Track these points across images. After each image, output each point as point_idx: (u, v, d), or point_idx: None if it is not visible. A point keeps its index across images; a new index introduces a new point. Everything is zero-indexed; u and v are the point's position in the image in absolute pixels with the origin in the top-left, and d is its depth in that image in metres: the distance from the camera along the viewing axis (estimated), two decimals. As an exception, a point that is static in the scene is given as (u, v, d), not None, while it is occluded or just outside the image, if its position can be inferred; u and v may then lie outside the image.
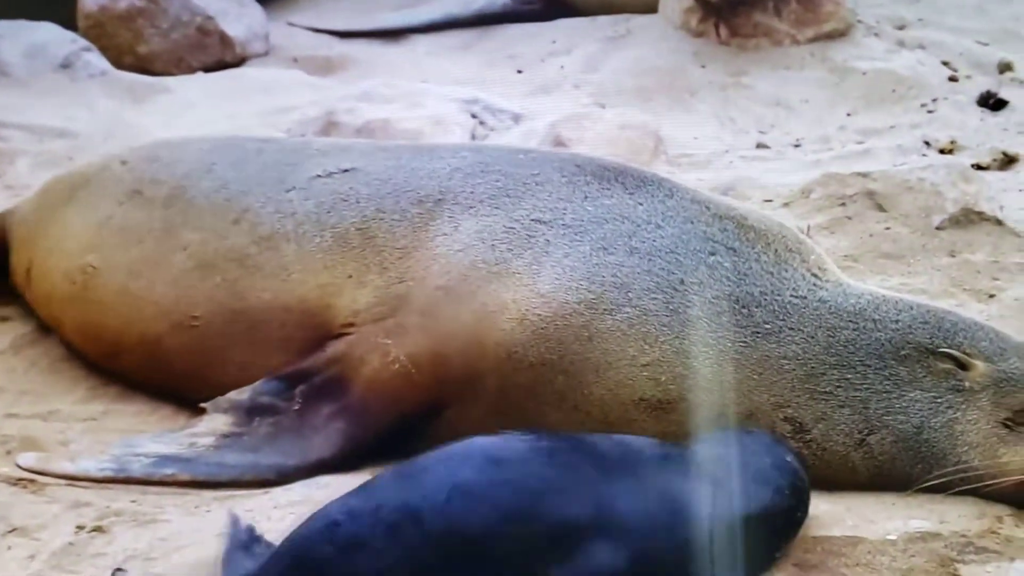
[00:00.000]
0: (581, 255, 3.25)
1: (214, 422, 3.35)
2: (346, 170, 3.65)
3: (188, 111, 6.78)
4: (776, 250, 3.32)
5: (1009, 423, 3.04)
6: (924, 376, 3.11)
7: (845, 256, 4.95)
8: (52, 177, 4.46)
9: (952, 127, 7.25)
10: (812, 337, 3.16)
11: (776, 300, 3.20)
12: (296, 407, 3.29)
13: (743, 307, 3.18)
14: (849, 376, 3.13)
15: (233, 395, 3.40)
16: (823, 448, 3.12)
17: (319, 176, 3.66)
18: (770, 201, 5.65)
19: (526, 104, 7.37)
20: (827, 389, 3.13)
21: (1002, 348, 3.15)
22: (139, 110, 6.75)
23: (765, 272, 3.25)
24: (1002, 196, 5.64)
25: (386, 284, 3.36)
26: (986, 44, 8.82)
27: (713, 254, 3.25)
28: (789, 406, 3.13)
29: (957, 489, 3.04)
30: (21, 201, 4.53)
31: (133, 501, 3.10)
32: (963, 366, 3.09)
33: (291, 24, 9.59)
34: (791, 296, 3.21)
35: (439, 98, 6.82)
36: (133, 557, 2.79)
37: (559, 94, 8.00)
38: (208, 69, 8.29)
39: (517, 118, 6.89)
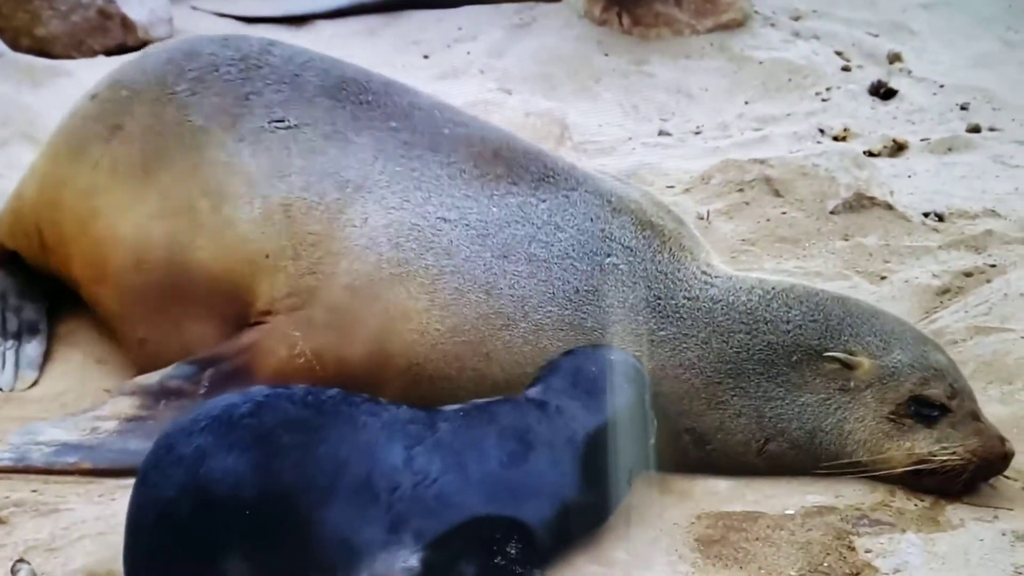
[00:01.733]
0: (482, 263, 3.21)
1: (118, 405, 3.29)
2: (289, 126, 3.53)
3: (88, 95, 6.59)
4: (671, 248, 3.30)
5: (893, 416, 3.12)
6: (814, 379, 3.15)
7: (743, 240, 5.05)
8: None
9: (845, 115, 7.45)
10: (706, 343, 3.17)
11: (670, 304, 3.20)
12: (203, 392, 3.23)
13: (637, 314, 3.17)
14: (744, 384, 3.16)
15: (141, 379, 3.35)
16: (725, 455, 3.17)
17: (263, 128, 3.52)
18: (671, 187, 5.73)
19: (433, 89, 7.31)
20: (724, 398, 3.16)
21: (886, 341, 3.19)
22: (38, 94, 6.54)
23: (660, 273, 3.24)
24: (892, 182, 5.81)
25: (298, 273, 3.31)
26: (876, 35, 9.06)
27: (610, 255, 3.24)
28: (688, 416, 3.16)
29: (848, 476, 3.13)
30: (8, 201, 4.28)
31: (34, 491, 3.03)
32: (849, 366, 3.14)
33: (195, 8, 9.41)
34: (684, 298, 3.21)
35: (344, 83, 6.74)
36: (34, 548, 2.73)
37: (465, 80, 7.99)
38: (110, 53, 8.08)
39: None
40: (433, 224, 3.26)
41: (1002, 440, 3.08)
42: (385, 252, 3.24)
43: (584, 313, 3.16)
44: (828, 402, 3.14)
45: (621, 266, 3.22)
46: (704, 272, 3.29)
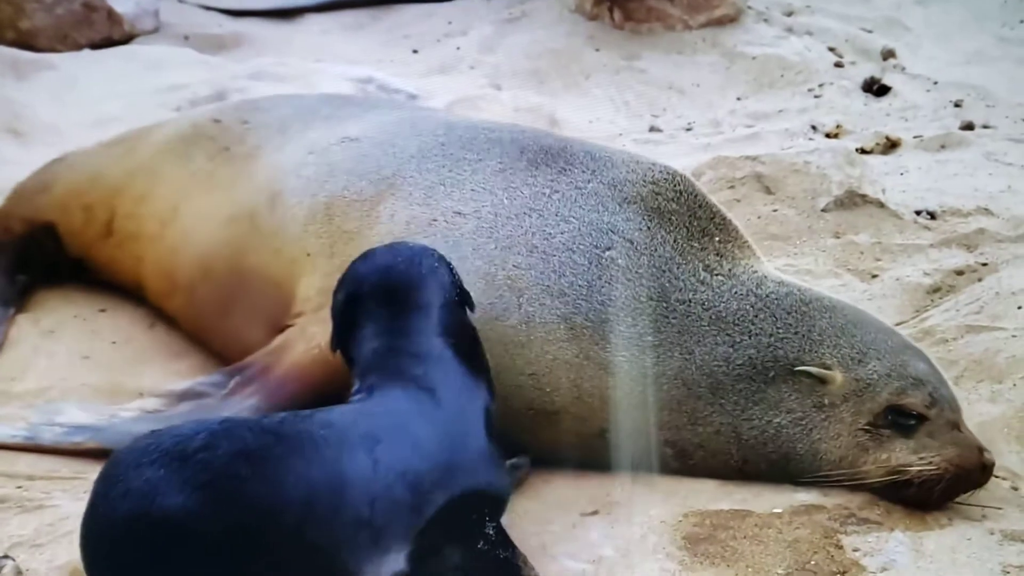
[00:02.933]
0: (486, 254, 3.22)
1: (145, 403, 3.39)
2: (352, 139, 3.72)
3: (75, 89, 6.58)
4: (676, 239, 3.25)
5: (869, 428, 3.06)
6: (790, 395, 3.10)
7: (735, 238, 5.03)
8: (119, 139, 4.47)
9: (838, 112, 7.43)
10: (690, 354, 3.12)
11: (661, 306, 3.14)
12: (224, 394, 3.31)
13: (627, 315, 3.13)
14: (723, 401, 3.11)
15: (173, 385, 3.46)
16: (706, 469, 3.14)
17: (332, 144, 3.72)
18: (663, 183, 5.71)
19: (422, 84, 7.33)
20: (704, 414, 3.11)
21: (862, 351, 3.13)
22: (22, 87, 6.52)
23: (657, 270, 3.18)
24: (884, 179, 5.80)
25: (330, 271, 3.34)
26: (870, 31, 9.06)
27: (609, 248, 3.19)
28: (668, 429, 3.13)
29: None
30: (61, 173, 4.44)
31: (19, 487, 3.03)
32: (822, 380, 3.09)
33: (182, 1, 9.39)
34: (676, 300, 3.16)
35: (333, 77, 6.74)
36: (19, 544, 2.73)
37: (455, 75, 7.98)
38: (95, 46, 8.06)
39: (413, 98, 6.86)
40: (449, 219, 3.30)
41: (981, 451, 3.02)
42: None
43: (576, 309, 3.13)
44: (803, 422, 3.08)
45: (619, 260, 3.18)
46: (706, 268, 3.22)
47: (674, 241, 3.24)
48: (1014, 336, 3.86)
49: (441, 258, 2.87)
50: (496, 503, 2.66)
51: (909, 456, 3.02)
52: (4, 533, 2.78)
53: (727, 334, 3.13)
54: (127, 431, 3.17)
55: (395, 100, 4.34)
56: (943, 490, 3.01)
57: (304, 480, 2.33)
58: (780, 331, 3.14)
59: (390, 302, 2.75)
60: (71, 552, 2.67)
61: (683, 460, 3.15)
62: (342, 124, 3.85)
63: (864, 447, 3.06)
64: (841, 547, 2.82)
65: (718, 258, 3.27)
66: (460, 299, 2.85)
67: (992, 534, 2.89)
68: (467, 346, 2.79)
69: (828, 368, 3.10)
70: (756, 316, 3.16)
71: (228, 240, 3.71)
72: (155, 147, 4.20)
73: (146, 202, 4.07)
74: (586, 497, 3.07)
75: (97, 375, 3.73)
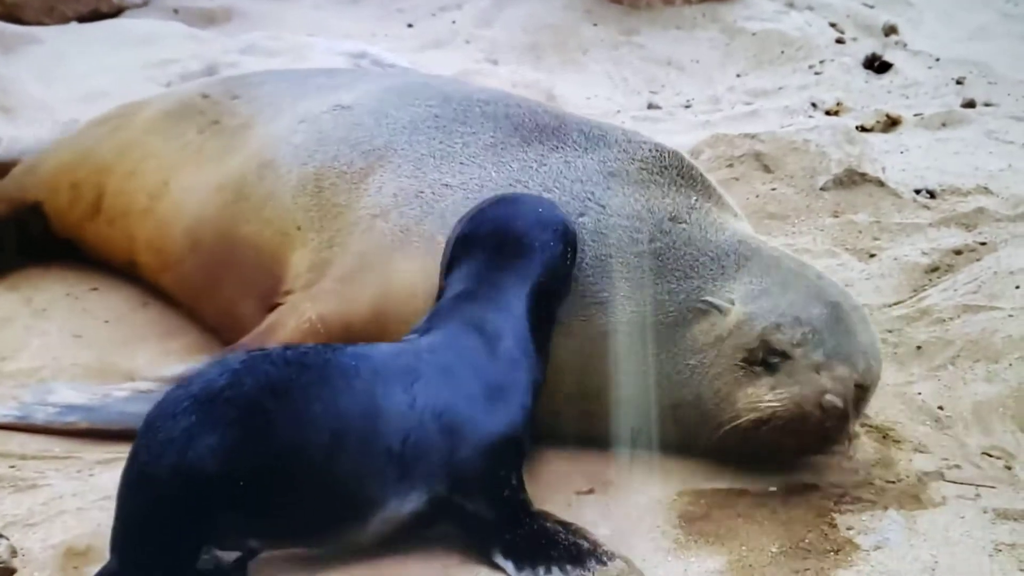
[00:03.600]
0: None
1: (138, 385, 3.41)
2: (345, 107, 3.73)
3: (63, 63, 6.51)
4: (648, 198, 3.23)
5: (744, 364, 2.99)
6: (701, 336, 3.05)
7: (732, 216, 5.02)
8: (105, 118, 4.47)
9: (838, 89, 7.41)
10: (641, 306, 3.09)
11: (619, 261, 3.12)
12: None
13: (589, 274, 3.10)
14: (664, 350, 3.07)
15: (165, 370, 3.47)
16: (675, 429, 3.11)
17: (323, 112, 3.74)
18: (661, 161, 5.69)
19: (417, 59, 7.28)
20: (655, 364, 3.07)
21: (764, 289, 3.06)
22: (7, 61, 6.44)
23: (622, 229, 3.15)
24: (884, 158, 5.79)
25: (319, 247, 3.42)
26: (872, 7, 9.01)
27: (583, 215, 3.18)
28: (632, 385, 3.09)
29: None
30: (49, 153, 4.47)
31: (12, 467, 3.03)
32: (721, 311, 3.04)
33: (172, -25, 9.31)
34: (632, 254, 3.12)
35: (326, 52, 6.67)
36: (13, 523, 2.73)
37: (451, 49, 7.94)
38: (83, 19, 7.99)
39: (407, 73, 6.81)
40: (436, 191, 3.33)
41: (822, 392, 2.88)
42: (393, 220, 3.32)
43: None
44: (705, 362, 3.03)
45: (587, 224, 3.16)
46: (670, 219, 3.18)
47: (646, 200, 3.22)
48: (1011, 316, 3.85)
49: (566, 235, 2.94)
50: (520, 460, 2.70)
51: (766, 393, 2.94)
52: (-3, 512, 2.78)
53: (667, 281, 3.10)
54: (119, 411, 3.26)
55: (389, 70, 4.29)
56: (777, 428, 2.91)
57: (332, 409, 2.41)
58: (711, 273, 3.10)
59: (495, 254, 2.86)
60: (65, 531, 2.69)
61: (669, 424, 3.11)
62: (335, 92, 3.87)
63: (738, 383, 2.99)
64: (835, 526, 2.83)
65: (689, 211, 3.24)
66: (560, 288, 2.92)
67: (985, 512, 2.90)
68: (542, 327, 2.84)
69: (733, 304, 3.04)
70: (696, 261, 3.11)
71: (217, 210, 3.72)
72: (144, 123, 4.21)
73: (135, 178, 4.08)
74: (582, 476, 3.07)
75: (89, 354, 3.73)
